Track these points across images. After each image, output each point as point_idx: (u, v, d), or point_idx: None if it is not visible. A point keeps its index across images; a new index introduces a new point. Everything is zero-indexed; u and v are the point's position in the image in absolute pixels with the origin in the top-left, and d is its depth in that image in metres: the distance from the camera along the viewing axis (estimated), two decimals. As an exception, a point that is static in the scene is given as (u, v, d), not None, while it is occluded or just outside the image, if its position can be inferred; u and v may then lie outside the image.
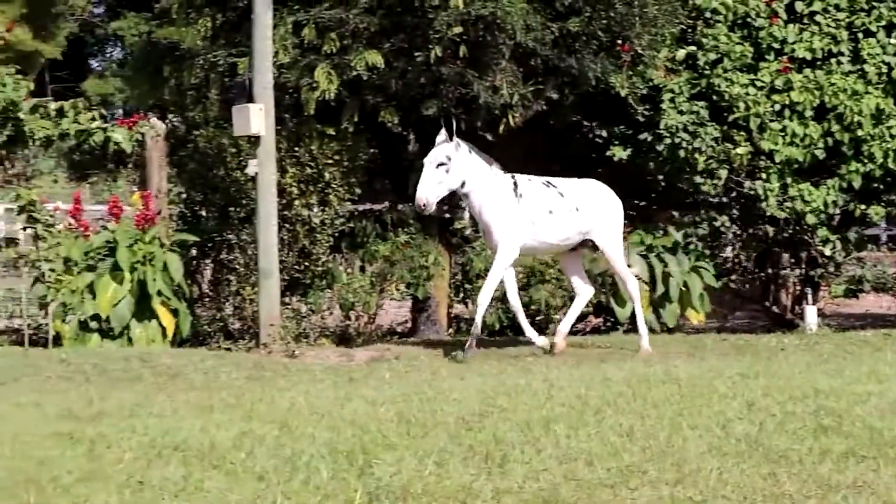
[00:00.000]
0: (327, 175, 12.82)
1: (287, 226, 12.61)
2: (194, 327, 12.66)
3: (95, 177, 23.97)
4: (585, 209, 11.67)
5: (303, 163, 12.79)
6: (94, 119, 11.93)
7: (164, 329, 12.24)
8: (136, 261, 12.27)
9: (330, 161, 12.83)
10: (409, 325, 14.08)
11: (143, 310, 12.23)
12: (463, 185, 11.29)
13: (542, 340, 11.58)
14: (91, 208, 16.78)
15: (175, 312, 12.35)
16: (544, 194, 11.56)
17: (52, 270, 11.97)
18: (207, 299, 13.24)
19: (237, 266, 12.77)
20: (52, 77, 45.81)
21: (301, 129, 12.97)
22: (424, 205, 11.11)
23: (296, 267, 12.83)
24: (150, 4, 42.82)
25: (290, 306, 12.57)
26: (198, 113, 14.07)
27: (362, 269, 13.27)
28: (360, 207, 14.08)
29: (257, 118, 11.77)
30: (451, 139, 11.18)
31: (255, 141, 11.96)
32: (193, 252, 13.22)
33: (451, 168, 11.16)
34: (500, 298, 13.33)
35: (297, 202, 12.71)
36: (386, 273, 13.27)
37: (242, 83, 13.26)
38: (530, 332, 11.65)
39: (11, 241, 12.90)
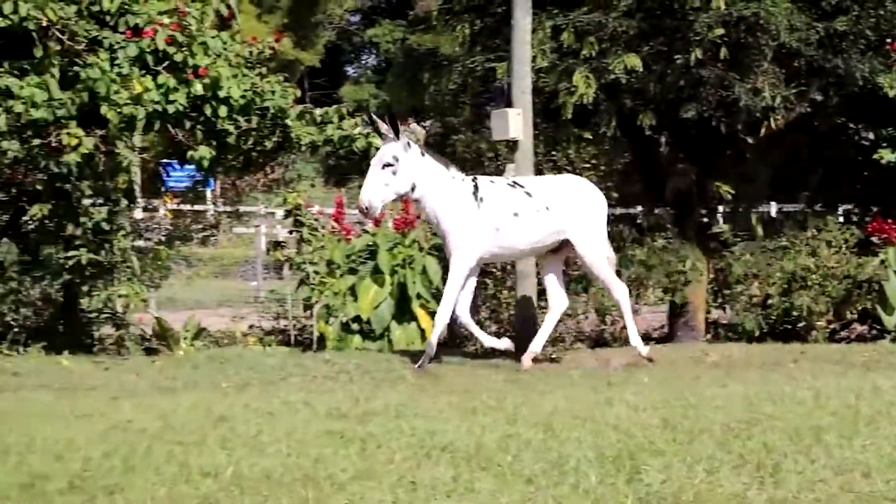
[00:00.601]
0: (584, 179, 12.83)
1: (544, 229, 12.63)
2: (451, 329, 12.81)
3: (350, 181, 24.58)
4: (558, 207, 10.80)
5: (560, 167, 12.81)
6: (356, 125, 12.16)
7: (422, 331, 12.45)
8: (396, 264, 12.54)
9: (587, 165, 12.82)
10: (665, 330, 13.91)
11: (402, 312, 12.47)
12: (413, 188, 10.55)
13: (496, 341, 10.92)
14: (348, 212, 17.22)
15: (433, 315, 12.53)
16: (509, 196, 10.74)
17: (317, 273, 12.33)
18: (464, 302, 13.38)
19: (493, 269, 12.88)
20: (310, 84, 47.22)
21: (558, 134, 12.99)
22: (367, 208, 10.39)
23: (552, 271, 12.85)
24: (405, 12, 43.77)
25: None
26: (457, 118, 14.26)
27: (618, 274, 13.17)
28: (616, 211, 13.99)
29: (515, 122, 11.85)
30: (397, 138, 10.45)
31: (512, 145, 12.03)
32: (451, 255, 13.39)
33: (398, 170, 10.38)
34: (761, 304, 13.06)
35: (553, 206, 12.73)
36: (642, 278, 13.15)
37: (500, 88, 13.38)
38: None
39: (277, 245, 13.33)
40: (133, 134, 11.02)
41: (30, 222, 11.91)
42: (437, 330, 10.69)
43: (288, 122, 11.81)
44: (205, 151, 11.28)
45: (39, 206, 11.26)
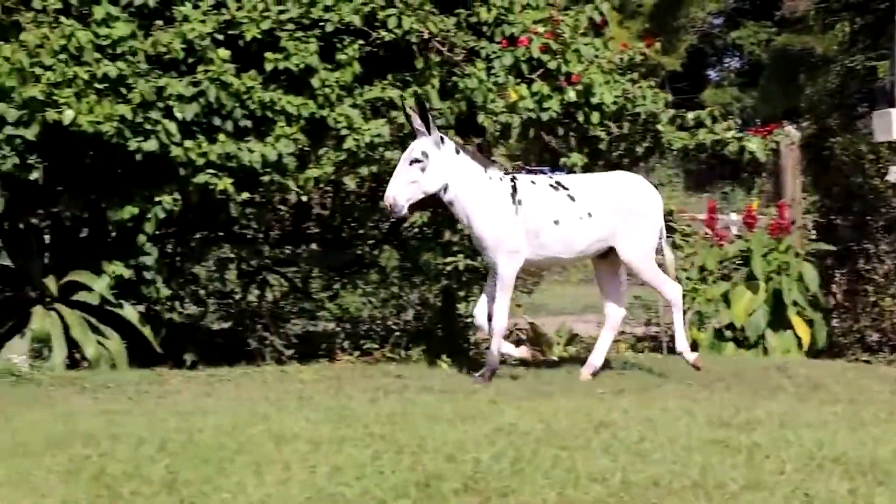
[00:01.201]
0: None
1: (930, 235, 12.13)
2: (829, 338, 12.44)
3: (710, 186, 24.17)
4: (602, 214, 9.70)
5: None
6: (729, 128, 11.91)
7: (799, 339, 12.12)
8: (771, 270, 12.26)
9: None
10: None
11: (777, 319, 12.18)
12: (445, 189, 9.60)
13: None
14: (720, 217, 16.96)
15: (810, 323, 12.19)
16: (550, 200, 9.68)
17: (689, 279, 12.22)
18: (842, 310, 12.97)
19: (875, 276, 12.43)
20: (672, 88, 46.87)
21: (944, 134, 12.38)
22: (392, 205, 9.45)
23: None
24: (770, 13, 42.81)
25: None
26: (833, 119, 13.83)
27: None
28: None
29: (899, 123, 11.42)
30: (429, 133, 9.50)
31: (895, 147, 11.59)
32: (829, 262, 13.01)
33: (427, 167, 9.44)
34: None
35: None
36: None
37: (882, 87, 12.89)
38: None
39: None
40: (508, 141, 11.19)
41: (409, 229, 12.30)
42: (495, 341, 9.81)
43: (659, 127, 11.71)
44: (577, 158, 11.35)
45: (419, 213, 11.60)
